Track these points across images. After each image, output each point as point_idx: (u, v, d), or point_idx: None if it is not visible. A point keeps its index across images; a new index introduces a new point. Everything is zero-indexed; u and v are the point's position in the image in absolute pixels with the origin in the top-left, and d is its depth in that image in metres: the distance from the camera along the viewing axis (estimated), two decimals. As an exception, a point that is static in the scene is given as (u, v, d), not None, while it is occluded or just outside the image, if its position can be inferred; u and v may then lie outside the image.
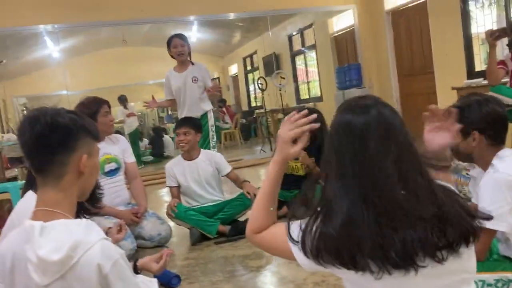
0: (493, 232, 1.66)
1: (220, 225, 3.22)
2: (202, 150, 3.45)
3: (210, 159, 3.38)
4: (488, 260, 1.77)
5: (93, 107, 2.90)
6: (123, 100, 9.56)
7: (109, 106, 2.98)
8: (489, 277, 1.69)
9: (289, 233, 1.08)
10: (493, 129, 1.71)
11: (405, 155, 1.02)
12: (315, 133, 2.88)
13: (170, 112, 17.50)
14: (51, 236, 1.07)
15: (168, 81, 4.10)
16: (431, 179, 1.03)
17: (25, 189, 1.90)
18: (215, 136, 4.25)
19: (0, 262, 1.15)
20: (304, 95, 10.70)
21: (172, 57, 4.10)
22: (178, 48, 3.97)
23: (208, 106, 4.17)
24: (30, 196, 1.70)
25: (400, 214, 0.97)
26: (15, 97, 12.97)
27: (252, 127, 11.89)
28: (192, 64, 4.09)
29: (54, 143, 1.13)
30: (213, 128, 4.24)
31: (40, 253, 1.05)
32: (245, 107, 13.49)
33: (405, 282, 0.98)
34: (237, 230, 3.18)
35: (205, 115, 4.11)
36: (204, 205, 3.35)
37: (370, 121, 1.02)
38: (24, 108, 13.22)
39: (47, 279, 1.05)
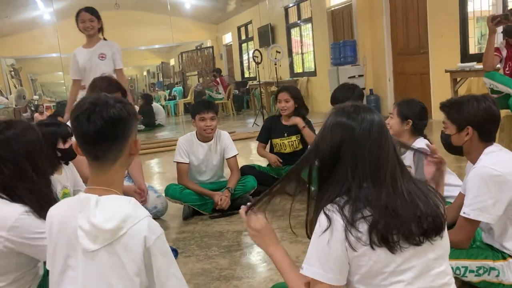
0: (476, 222, 1.76)
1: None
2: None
3: (220, 140, 3.39)
4: (471, 247, 1.88)
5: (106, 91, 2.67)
6: None
7: (123, 94, 2.71)
8: (472, 264, 1.81)
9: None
10: (486, 126, 1.79)
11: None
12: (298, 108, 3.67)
13: (161, 79, 17.36)
14: (105, 208, 1.18)
15: (75, 59, 3.66)
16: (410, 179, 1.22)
17: None
18: None
19: (48, 222, 1.26)
20: (298, 69, 10.70)
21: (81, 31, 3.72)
22: (86, 23, 3.62)
23: None
24: None
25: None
26: (3, 57, 12.73)
27: (244, 99, 11.89)
28: (105, 39, 3.73)
29: (113, 135, 1.21)
30: None
31: (95, 221, 1.16)
32: (238, 78, 13.44)
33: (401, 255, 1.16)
34: (232, 207, 3.28)
35: None
36: (203, 182, 3.42)
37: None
38: (12, 70, 13.01)
39: (97, 245, 1.16)
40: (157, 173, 5.29)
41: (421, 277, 1.17)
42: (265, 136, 3.81)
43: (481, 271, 1.80)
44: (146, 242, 1.17)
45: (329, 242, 1.14)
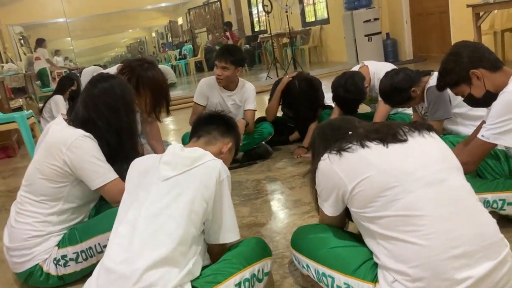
0: (491, 146, 1.68)
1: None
2: (240, 80, 3.22)
3: (243, 91, 3.21)
4: (510, 178, 1.78)
5: None
6: (39, 43, 9.66)
7: None
8: (510, 196, 1.70)
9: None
10: (480, 56, 1.70)
11: None
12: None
13: (170, 39, 17.05)
14: (189, 149, 1.47)
15: None
16: None
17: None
18: None
19: (132, 166, 1.49)
20: (310, 18, 10.33)
21: None
22: None
23: None
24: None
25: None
26: (11, 25, 12.58)
27: (256, 53, 11.60)
28: None
29: (218, 125, 1.59)
30: None
31: (179, 151, 1.42)
32: (248, 32, 13.08)
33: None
34: (250, 156, 3.19)
35: None
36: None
37: None
38: (21, 37, 12.86)
39: (175, 172, 1.37)
40: (172, 130, 5.23)
41: (433, 186, 1.20)
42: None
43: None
44: (220, 175, 1.37)
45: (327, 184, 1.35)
